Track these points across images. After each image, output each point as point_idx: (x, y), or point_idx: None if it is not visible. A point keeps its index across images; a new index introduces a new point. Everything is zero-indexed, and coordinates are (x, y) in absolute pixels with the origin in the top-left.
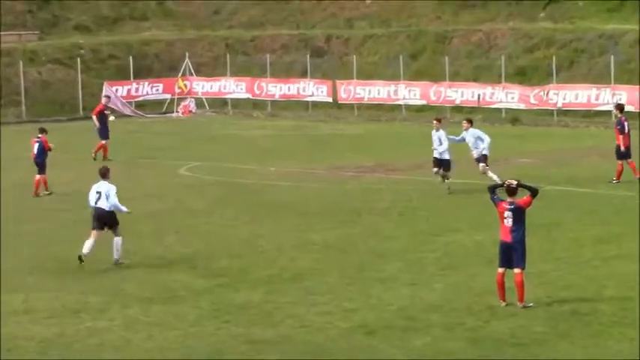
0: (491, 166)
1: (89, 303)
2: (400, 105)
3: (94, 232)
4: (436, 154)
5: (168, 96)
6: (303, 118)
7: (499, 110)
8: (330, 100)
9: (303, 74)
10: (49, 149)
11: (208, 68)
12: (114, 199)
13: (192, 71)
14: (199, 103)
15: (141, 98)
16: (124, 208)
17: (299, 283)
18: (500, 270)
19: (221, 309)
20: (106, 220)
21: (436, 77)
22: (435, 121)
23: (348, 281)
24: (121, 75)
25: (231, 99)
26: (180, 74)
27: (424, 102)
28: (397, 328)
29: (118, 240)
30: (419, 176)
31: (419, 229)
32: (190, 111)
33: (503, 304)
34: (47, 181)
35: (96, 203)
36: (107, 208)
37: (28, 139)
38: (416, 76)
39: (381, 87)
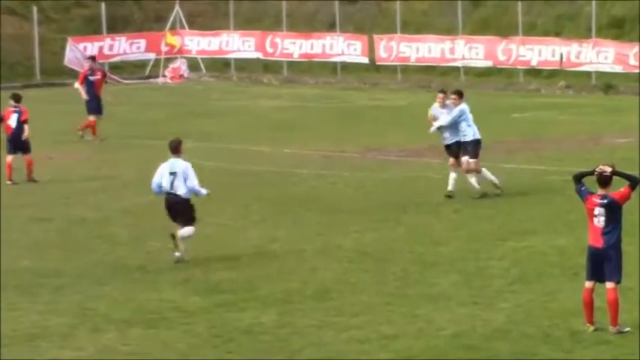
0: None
1: (49, 327)
2: (458, 67)
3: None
4: (450, 140)
5: (152, 56)
6: (329, 84)
7: (588, 74)
8: (366, 60)
9: (331, 27)
10: (26, 122)
11: (205, 19)
12: (195, 181)
13: (184, 23)
14: (193, 64)
15: (117, 58)
16: (203, 191)
17: (324, 301)
18: (588, 284)
19: (222, 335)
20: (182, 214)
21: (505, 30)
22: (440, 95)
23: (387, 299)
24: (90, 28)
25: (236, 59)
26: (168, 27)
27: (489, 63)
28: None
29: (187, 229)
30: (483, 162)
31: (480, 231)
32: (181, 75)
33: (591, 328)
34: (33, 164)
35: (172, 189)
36: (183, 195)
37: None
38: (479, 28)
39: (432, 43)
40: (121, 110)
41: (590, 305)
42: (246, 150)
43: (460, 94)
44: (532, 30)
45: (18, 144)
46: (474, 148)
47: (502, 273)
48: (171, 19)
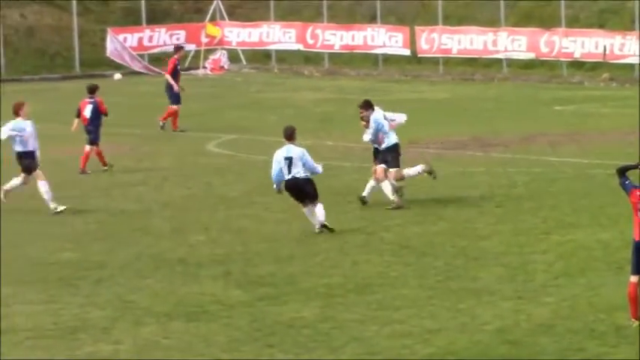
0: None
1: (89, 319)
2: (500, 59)
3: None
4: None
5: (192, 47)
6: (370, 76)
7: (631, 67)
8: (407, 52)
9: (372, 18)
10: (106, 114)
11: (246, 10)
12: (312, 162)
13: (225, 14)
14: (234, 56)
15: (156, 50)
16: (319, 168)
17: (366, 295)
18: (633, 279)
19: (263, 329)
20: (306, 191)
21: (548, 22)
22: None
23: (429, 293)
24: (130, 19)
25: (277, 51)
26: (208, 18)
27: (532, 55)
28: (495, 355)
29: (319, 207)
30: (526, 154)
31: (524, 224)
32: (222, 67)
33: (636, 323)
34: (102, 153)
35: (290, 173)
36: (304, 176)
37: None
38: (521, 20)
39: (474, 35)
40: (160, 102)
41: (635, 300)
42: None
43: (365, 106)
44: (575, 22)
45: (92, 134)
46: (393, 155)
47: (546, 267)
48: (211, 10)
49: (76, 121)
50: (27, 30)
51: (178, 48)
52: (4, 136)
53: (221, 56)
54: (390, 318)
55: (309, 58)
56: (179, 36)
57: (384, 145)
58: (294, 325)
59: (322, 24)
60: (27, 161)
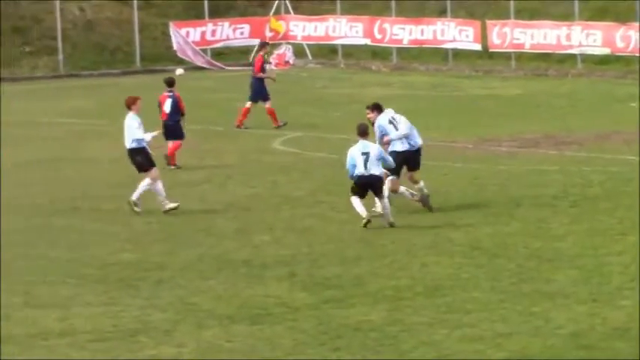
0: None
1: (150, 322)
2: (574, 55)
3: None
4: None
5: (256, 41)
6: (440, 72)
7: None
8: (478, 47)
9: (442, 12)
10: (183, 112)
11: (312, 3)
12: (390, 159)
13: (290, 7)
14: (299, 51)
15: (219, 44)
16: (393, 162)
17: (435, 297)
18: None
19: (329, 332)
20: (376, 188)
21: (624, 17)
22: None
23: (501, 296)
24: (192, 13)
25: (343, 45)
26: (272, 12)
27: (607, 50)
28: None
29: (385, 202)
30: (601, 153)
31: (600, 225)
32: (287, 62)
33: None
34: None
35: (366, 169)
36: (379, 174)
37: (67, 97)
38: (596, 14)
39: (548, 29)
40: (223, 98)
41: None
42: (353, 140)
43: (372, 108)
44: None
45: (170, 130)
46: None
47: (622, 269)
48: (276, 3)
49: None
50: (86, 24)
51: (263, 44)
52: (148, 138)
53: (286, 51)
54: (461, 321)
55: (377, 53)
56: (243, 30)
57: (389, 150)
58: (361, 329)
59: (390, 18)
60: (138, 158)
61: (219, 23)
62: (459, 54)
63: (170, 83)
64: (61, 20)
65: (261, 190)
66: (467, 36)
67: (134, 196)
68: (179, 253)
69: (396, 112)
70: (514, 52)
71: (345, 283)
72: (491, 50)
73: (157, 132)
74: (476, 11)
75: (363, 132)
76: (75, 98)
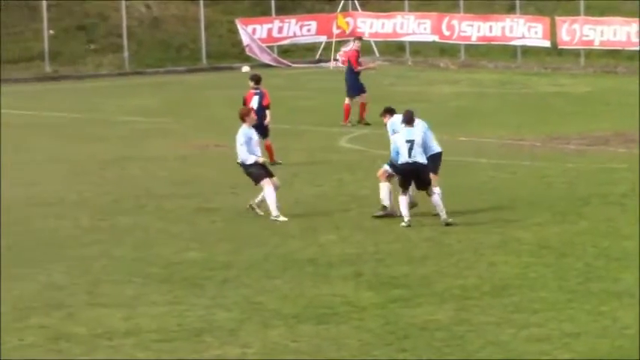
0: None
1: (215, 321)
2: None
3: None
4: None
5: (323, 38)
6: (509, 69)
7: None
8: (547, 44)
9: (510, 9)
10: (267, 107)
11: (379, 0)
12: (433, 141)
13: (357, 4)
14: (366, 48)
15: (286, 41)
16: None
17: (502, 297)
18: None
19: (396, 331)
20: (422, 177)
21: None
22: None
23: (569, 295)
24: (258, 10)
25: (411, 42)
26: (339, 8)
27: None
28: None
29: (435, 198)
30: None
31: None
32: None
33: None
34: (272, 147)
35: (410, 156)
36: (424, 162)
37: (132, 95)
38: None
39: (618, 26)
40: (290, 96)
41: None
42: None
43: (386, 111)
44: None
45: (258, 127)
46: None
47: None
48: (343, 0)
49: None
50: (152, 21)
51: (358, 38)
52: (251, 161)
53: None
54: (528, 321)
55: (445, 50)
56: (310, 27)
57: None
58: (427, 328)
59: (459, 14)
60: (252, 170)
61: (286, 20)
62: (527, 51)
63: (257, 80)
64: (126, 18)
65: (328, 189)
66: (536, 33)
67: (263, 205)
68: (244, 252)
69: (465, 109)
70: (583, 49)
71: (411, 283)
72: (560, 47)
73: (262, 159)
74: (545, 8)
75: (409, 119)
76: (140, 96)
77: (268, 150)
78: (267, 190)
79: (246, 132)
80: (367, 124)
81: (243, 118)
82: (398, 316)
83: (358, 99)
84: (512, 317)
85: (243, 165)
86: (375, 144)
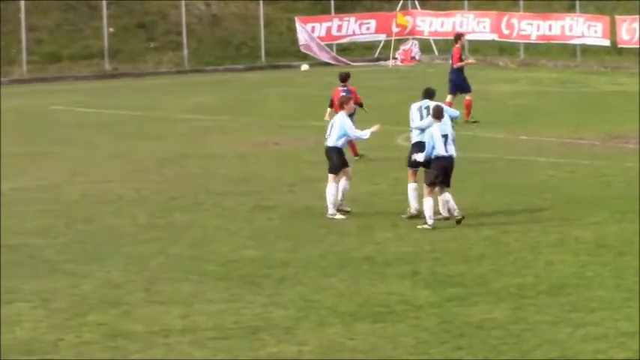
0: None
1: (272, 319)
2: None
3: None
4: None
5: (382, 37)
6: (568, 68)
7: None
8: (607, 43)
9: (570, 7)
10: (360, 104)
11: None
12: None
13: (417, 2)
14: (425, 46)
15: (345, 40)
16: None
17: (559, 296)
18: None
19: (452, 330)
20: (450, 173)
21: None
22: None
23: (626, 294)
24: (318, 8)
25: (470, 41)
26: (399, 7)
27: None
28: None
29: (447, 195)
30: None
31: None
32: (413, 57)
33: None
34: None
35: (447, 151)
36: (454, 155)
37: (192, 93)
38: None
39: None
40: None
41: None
42: (479, 136)
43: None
44: None
45: None
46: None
47: None
48: None
49: (329, 110)
50: (211, 19)
51: (459, 36)
52: (367, 135)
53: (412, 46)
54: (584, 320)
55: (504, 49)
56: (369, 25)
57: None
58: (483, 327)
59: (518, 13)
60: (335, 157)
61: (345, 18)
62: (587, 50)
63: (344, 78)
64: (186, 15)
65: (384, 187)
66: (595, 31)
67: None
68: (301, 250)
69: (524, 108)
70: None
71: (468, 281)
72: (620, 46)
73: (377, 127)
74: (605, 6)
75: (438, 114)
76: (199, 94)
77: (352, 144)
78: (336, 185)
79: (346, 116)
80: (475, 121)
81: (342, 105)
82: (454, 314)
83: (467, 96)
84: (568, 316)
85: (331, 150)
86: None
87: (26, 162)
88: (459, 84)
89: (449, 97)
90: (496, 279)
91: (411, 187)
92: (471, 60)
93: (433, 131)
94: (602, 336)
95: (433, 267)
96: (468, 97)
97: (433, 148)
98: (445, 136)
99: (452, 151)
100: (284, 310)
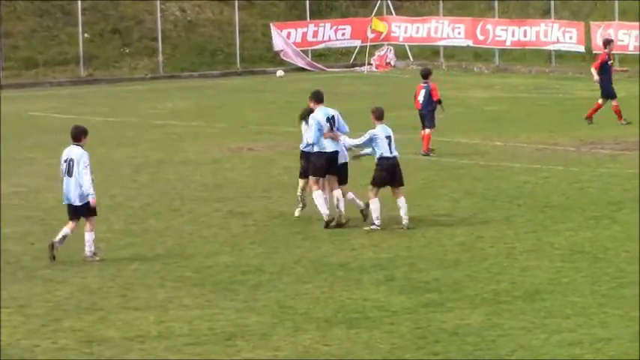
0: None
1: (247, 325)
2: None
3: None
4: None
5: (357, 42)
6: (543, 73)
7: None
8: (582, 49)
9: (545, 13)
10: (438, 100)
11: (414, 4)
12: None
13: (392, 8)
14: (401, 52)
15: (321, 45)
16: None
17: (534, 302)
18: None
19: (427, 336)
20: (399, 175)
21: None
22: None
23: (601, 300)
24: (294, 13)
25: (445, 47)
26: (374, 12)
27: None
28: None
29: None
30: None
31: None
32: (388, 63)
33: None
34: (428, 138)
35: (391, 152)
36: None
37: (167, 99)
38: None
39: None
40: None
41: None
42: (455, 142)
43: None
44: None
45: (425, 118)
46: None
47: None
48: (378, 4)
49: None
50: (187, 25)
51: (608, 41)
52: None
53: (387, 52)
54: (560, 326)
55: (479, 55)
56: (344, 31)
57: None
58: (459, 333)
59: (493, 19)
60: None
61: (321, 24)
62: (562, 56)
63: (425, 75)
64: (161, 21)
65: (360, 193)
66: (570, 37)
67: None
68: (276, 256)
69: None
70: (618, 54)
71: (443, 287)
72: (595, 52)
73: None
74: (580, 11)
75: (380, 115)
76: (174, 100)
77: (425, 139)
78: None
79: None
80: (629, 123)
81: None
82: (429, 320)
83: (611, 102)
84: (544, 322)
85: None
86: (409, 149)
87: (3, 168)
88: (607, 90)
89: (600, 101)
90: (471, 285)
91: (318, 194)
92: (624, 69)
93: (377, 133)
94: (577, 342)
95: (408, 273)
96: (614, 102)
97: (373, 149)
98: (389, 137)
99: (395, 152)
100: (259, 316)
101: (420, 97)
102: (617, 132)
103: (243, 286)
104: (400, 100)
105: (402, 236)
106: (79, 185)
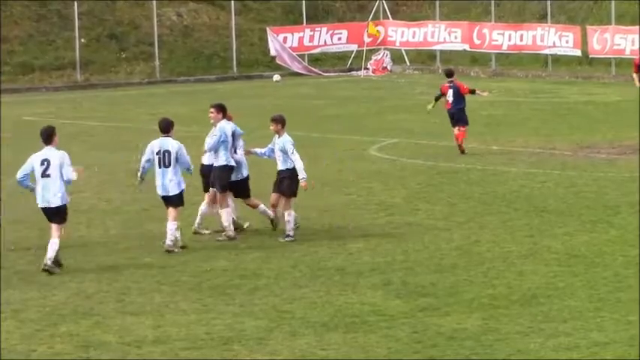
0: None
1: (244, 330)
2: None
3: None
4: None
5: (354, 47)
6: (539, 78)
7: None
8: (578, 53)
9: (541, 17)
10: (471, 91)
11: (410, 8)
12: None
13: (388, 13)
14: (397, 56)
15: (317, 50)
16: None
17: (531, 306)
18: None
19: (424, 340)
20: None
21: None
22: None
23: (598, 304)
24: (290, 18)
25: (442, 51)
26: (371, 17)
27: None
28: None
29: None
30: None
31: None
32: (385, 68)
33: None
34: (463, 136)
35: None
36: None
37: (163, 103)
38: None
39: None
40: (320, 104)
41: None
42: (450, 147)
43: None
44: None
45: (456, 117)
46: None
47: None
48: (374, 8)
49: (432, 103)
50: (183, 30)
51: None
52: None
53: (384, 57)
54: (556, 330)
55: (476, 59)
56: (340, 36)
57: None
58: (455, 337)
59: (489, 23)
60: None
61: (317, 29)
62: (558, 60)
63: (449, 74)
64: (157, 26)
65: (357, 197)
66: (567, 42)
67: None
68: (273, 261)
69: (496, 118)
70: (614, 58)
71: (440, 292)
72: (591, 56)
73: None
74: (577, 15)
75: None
76: (170, 105)
77: (460, 137)
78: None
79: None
80: None
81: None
82: (426, 324)
83: None
84: (540, 326)
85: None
86: (406, 153)
87: None
88: None
89: None
90: (468, 289)
91: (228, 211)
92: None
93: (275, 147)
94: (574, 346)
95: (405, 277)
96: None
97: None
98: (284, 152)
99: (290, 164)
100: (256, 321)
101: (450, 97)
102: (613, 136)
103: (239, 291)
104: (396, 103)
105: (399, 240)
106: None
